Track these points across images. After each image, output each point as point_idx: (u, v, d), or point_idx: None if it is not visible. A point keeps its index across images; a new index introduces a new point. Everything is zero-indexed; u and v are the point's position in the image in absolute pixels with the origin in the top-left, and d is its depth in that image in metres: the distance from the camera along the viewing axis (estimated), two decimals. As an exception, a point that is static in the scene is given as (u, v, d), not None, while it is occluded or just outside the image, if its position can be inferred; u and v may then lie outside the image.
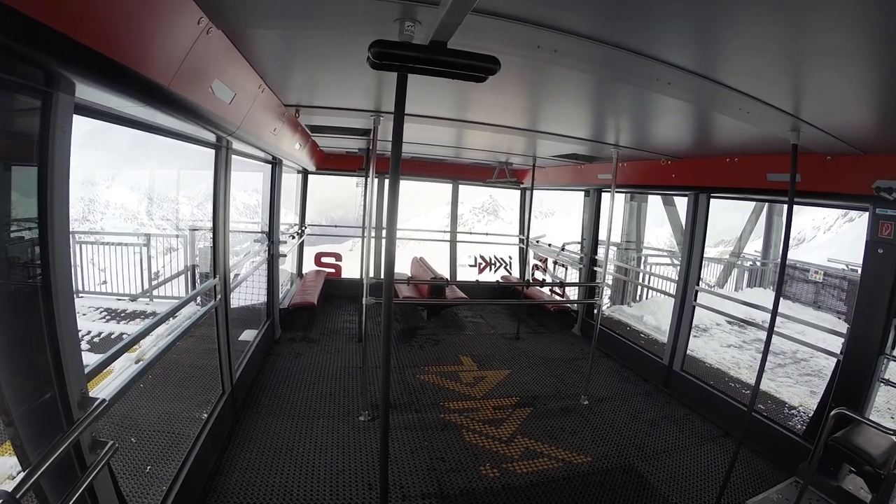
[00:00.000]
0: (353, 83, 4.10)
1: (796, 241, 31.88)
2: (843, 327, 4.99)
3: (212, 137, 4.49)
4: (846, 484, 4.37)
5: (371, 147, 5.57)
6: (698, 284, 6.91)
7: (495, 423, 5.77)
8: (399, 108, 2.31)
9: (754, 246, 18.66)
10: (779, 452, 5.28)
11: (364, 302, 5.47)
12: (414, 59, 2.12)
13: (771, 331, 3.95)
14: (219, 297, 4.94)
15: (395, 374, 7.06)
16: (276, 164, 7.66)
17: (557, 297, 10.78)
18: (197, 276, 10.43)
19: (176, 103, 2.65)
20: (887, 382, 4.57)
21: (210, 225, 5.08)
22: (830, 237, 29.03)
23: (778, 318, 3.97)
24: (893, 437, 3.46)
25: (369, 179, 5.68)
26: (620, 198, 13.80)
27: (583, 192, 10.15)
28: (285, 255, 8.73)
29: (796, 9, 1.90)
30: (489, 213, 49.24)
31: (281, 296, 8.99)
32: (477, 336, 9.15)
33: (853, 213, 23.07)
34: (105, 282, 10.93)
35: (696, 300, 6.86)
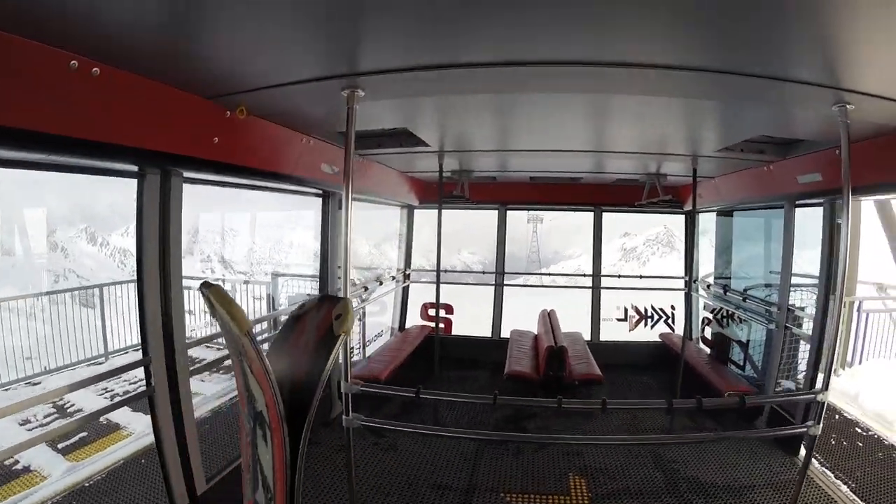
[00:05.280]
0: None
1: None
2: None
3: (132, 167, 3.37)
4: None
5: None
6: None
7: None
8: None
9: None
10: None
11: (345, 422, 3.36)
12: None
13: None
14: (157, 390, 3.59)
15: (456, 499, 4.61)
16: (325, 196, 6.24)
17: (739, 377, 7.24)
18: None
19: None
20: None
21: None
22: None
23: None
24: None
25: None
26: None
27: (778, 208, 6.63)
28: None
29: None
30: (664, 244, 45.00)
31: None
32: (607, 433, 6.06)
33: None
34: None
35: None
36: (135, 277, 3.61)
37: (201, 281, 2.02)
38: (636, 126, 4.59)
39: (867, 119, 3.34)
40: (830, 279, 5.50)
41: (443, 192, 6.36)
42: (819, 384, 3.81)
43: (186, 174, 3.67)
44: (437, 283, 6.53)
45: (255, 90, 3.18)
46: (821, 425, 3.41)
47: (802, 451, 3.72)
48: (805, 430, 3.50)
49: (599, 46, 2.51)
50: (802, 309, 6.17)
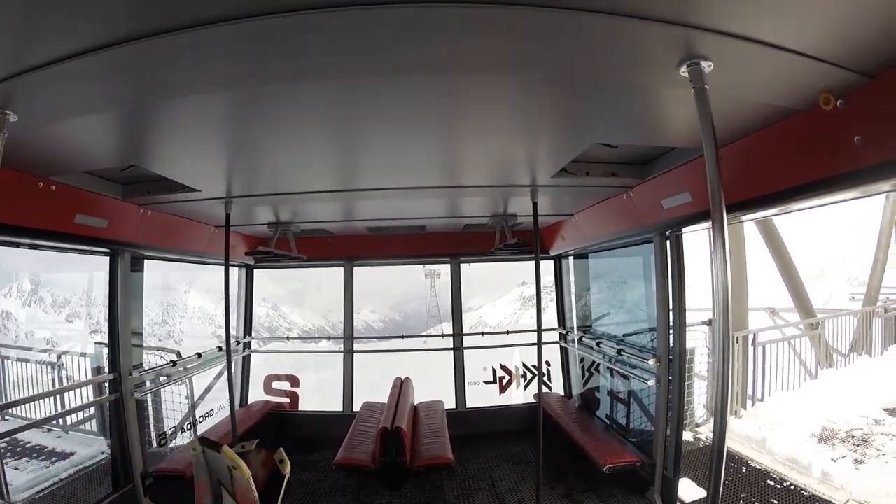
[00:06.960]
0: None
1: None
2: None
3: None
4: None
5: None
6: None
7: None
8: None
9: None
10: None
11: None
12: None
13: None
14: None
15: None
16: (113, 255, 5.07)
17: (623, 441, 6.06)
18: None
19: None
20: None
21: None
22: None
23: None
24: None
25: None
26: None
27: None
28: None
29: None
30: (563, 290, 46.51)
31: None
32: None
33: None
34: None
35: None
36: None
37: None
38: (477, 143, 3.54)
39: (729, 91, 2.29)
40: (667, 322, 5.00)
41: (228, 246, 5.23)
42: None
43: None
44: (228, 355, 5.29)
45: None
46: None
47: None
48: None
49: None
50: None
